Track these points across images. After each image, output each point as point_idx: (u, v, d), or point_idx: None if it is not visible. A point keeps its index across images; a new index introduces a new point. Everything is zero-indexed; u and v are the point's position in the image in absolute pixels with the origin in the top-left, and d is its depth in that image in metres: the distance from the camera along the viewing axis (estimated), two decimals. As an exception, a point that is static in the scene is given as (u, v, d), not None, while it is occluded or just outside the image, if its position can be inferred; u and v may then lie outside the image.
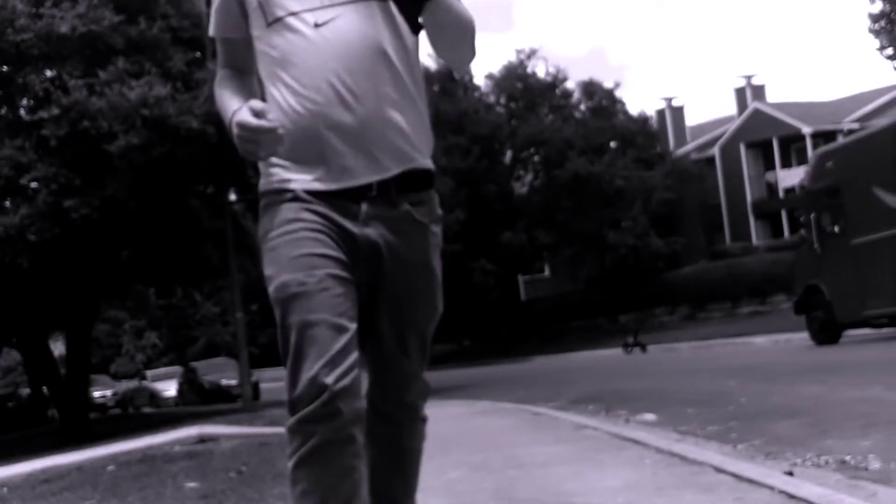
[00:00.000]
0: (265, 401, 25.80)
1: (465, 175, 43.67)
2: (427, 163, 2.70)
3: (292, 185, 2.61)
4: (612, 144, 46.24)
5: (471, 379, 23.39)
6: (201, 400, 35.48)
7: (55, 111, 20.11)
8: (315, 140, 2.57)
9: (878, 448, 5.10)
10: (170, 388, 40.24)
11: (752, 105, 47.36)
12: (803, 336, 18.97)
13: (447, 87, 46.64)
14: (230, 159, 20.20)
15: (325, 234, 2.57)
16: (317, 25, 2.58)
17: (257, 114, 2.49)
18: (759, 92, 48.97)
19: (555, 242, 45.62)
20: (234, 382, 30.38)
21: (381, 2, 2.60)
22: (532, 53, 49.05)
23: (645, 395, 11.04)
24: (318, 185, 2.59)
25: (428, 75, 36.50)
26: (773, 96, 49.65)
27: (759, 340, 25.43)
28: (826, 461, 4.95)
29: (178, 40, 21.95)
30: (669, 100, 52.84)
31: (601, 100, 47.88)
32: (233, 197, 24.10)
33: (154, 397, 41.52)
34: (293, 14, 2.60)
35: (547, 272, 53.50)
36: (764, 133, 45.66)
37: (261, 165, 2.70)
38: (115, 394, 44.53)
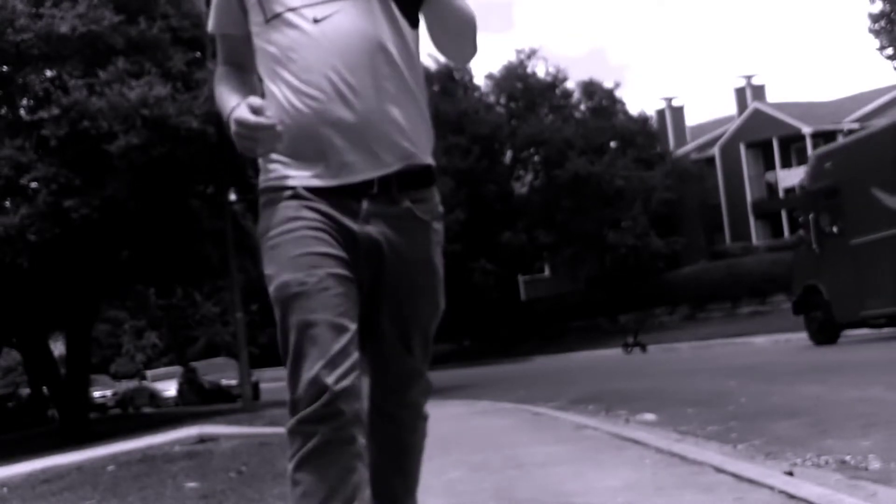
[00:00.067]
0: (265, 401, 25.79)
1: (465, 175, 43.67)
2: (427, 158, 2.69)
3: (291, 182, 2.59)
4: (612, 144, 46.25)
5: (471, 379, 23.38)
6: (201, 400, 35.48)
7: (55, 111, 20.11)
8: (314, 136, 2.56)
9: (878, 448, 5.10)
10: (170, 388, 40.24)
11: (752, 105, 47.36)
12: (803, 336, 18.98)
13: (447, 87, 46.66)
14: (230, 159, 20.22)
15: (325, 233, 2.56)
16: (316, 21, 2.56)
17: (255, 110, 2.47)
18: (759, 92, 48.98)
19: (555, 242, 45.63)
20: (234, 382, 30.38)
21: None
22: (532, 53, 49.10)
23: (645, 395, 11.03)
24: (317, 182, 2.58)
25: (428, 75, 36.46)
26: (773, 96, 49.75)
27: (759, 340, 25.43)
28: (826, 461, 4.95)
29: (178, 40, 21.95)
30: (669, 100, 52.88)
31: (601, 100, 47.90)
32: (233, 197, 24.11)
33: (154, 397, 41.51)
34: (292, 10, 2.58)
35: (547, 272, 53.51)
36: (764, 133, 45.67)
37: (260, 162, 2.68)
38: (115, 394, 44.54)
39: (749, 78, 49.65)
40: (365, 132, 2.56)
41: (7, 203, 21.04)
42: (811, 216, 18.29)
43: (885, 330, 17.79)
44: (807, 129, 43.62)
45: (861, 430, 5.80)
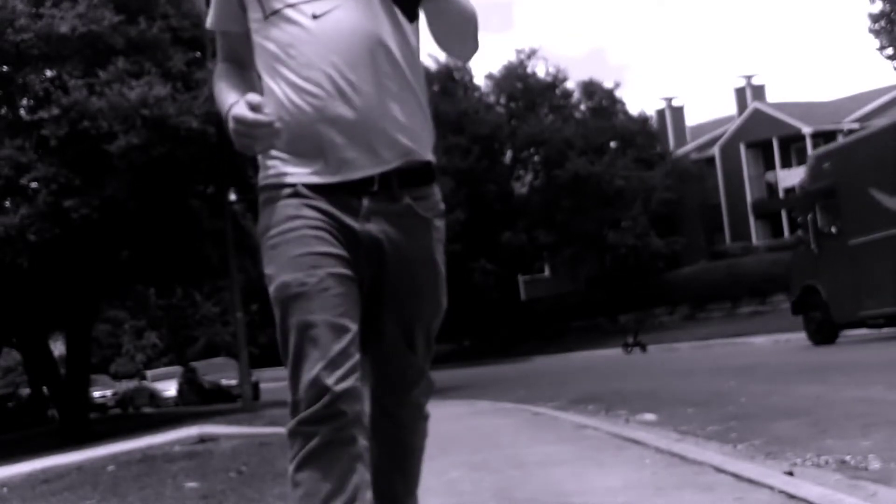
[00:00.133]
0: (265, 401, 25.79)
1: (465, 175, 43.69)
2: (428, 155, 2.67)
3: (290, 179, 2.57)
4: (612, 144, 46.28)
5: (471, 379, 23.38)
6: (201, 400, 35.48)
7: (55, 111, 20.12)
8: (314, 133, 2.54)
9: (878, 448, 5.10)
10: (170, 388, 40.23)
11: (752, 105, 47.37)
12: (803, 336, 18.99)
13: (447, 87, 46.69)
14: (230, 159, 20.22)
15: (326, 232, 2.54)
16: (315, 17, 2.54)
17: (254, 107, 2.45)
18: (759, 92, 49.00)
19: (555, 242, 45.65)
20: (234, 382, 30.36)
21: None
22: (532, 53, 49.15)
23: (645, 395, 11.03)
24: (316, 179, 2.56)
25: (428, 75, 36.47)
26: (773, 96, 49.78)
27: (759, 340, 25.44)
28: (826, 461, 4.94)
29: (178, 40, 21.96)
30: (669, 100, 52.93)
31: (601, 100, 47.93)
32: (233, 197, 24.12)
33: (154, 397, 41.51)
34: (291, 6, 2.56)
35: (547, 272, 53.52)
36: (764, 133, 45.68)
37: (259, 159, 2.66)
38: (115, 394, 44.54)
39: (749, 78, 49.69)
40: (365, 129, 2.54)
41: (7, 203, 21.06)
42: (810, 216, 18.30)
43: (884, 330, 17.79)
44: (807, 129, 43.63)
45: (861, 430, 5.80)
